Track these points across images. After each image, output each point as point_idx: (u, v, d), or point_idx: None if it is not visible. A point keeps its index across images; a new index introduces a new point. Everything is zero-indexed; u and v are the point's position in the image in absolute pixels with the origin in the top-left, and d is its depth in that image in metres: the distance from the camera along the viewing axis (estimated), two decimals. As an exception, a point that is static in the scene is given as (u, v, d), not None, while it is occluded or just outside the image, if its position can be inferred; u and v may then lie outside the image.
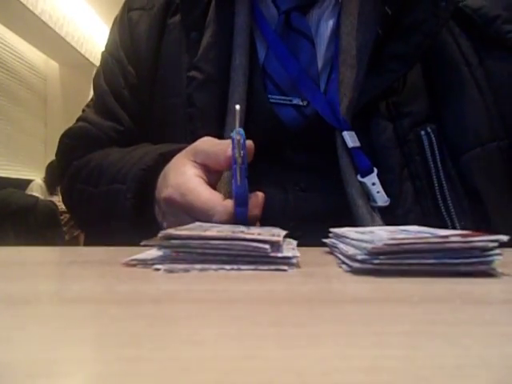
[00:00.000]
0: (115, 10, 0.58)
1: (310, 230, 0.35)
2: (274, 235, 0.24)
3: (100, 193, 0.46)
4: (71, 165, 0.53)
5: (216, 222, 0.33)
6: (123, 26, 0.53)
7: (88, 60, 4.18)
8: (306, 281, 0.21)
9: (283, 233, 0.28)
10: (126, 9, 0.54)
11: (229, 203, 0.33)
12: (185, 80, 0.46)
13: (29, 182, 3.44)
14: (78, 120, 0.57)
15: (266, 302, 0.18)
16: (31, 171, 3.95)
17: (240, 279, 0.22)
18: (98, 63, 0.59)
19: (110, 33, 0.56)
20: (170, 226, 0.34)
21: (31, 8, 3.22)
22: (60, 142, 0.57)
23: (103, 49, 0.57)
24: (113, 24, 0.56)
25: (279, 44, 0.45)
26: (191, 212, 0.34)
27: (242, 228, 0.29)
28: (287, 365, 0.12)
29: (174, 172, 0.37)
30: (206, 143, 0.37)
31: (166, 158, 0.40)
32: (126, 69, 0.52)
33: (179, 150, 0.39)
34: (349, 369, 0.11)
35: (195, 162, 0.36)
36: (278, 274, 0.23)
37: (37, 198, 2.52)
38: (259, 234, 0.24)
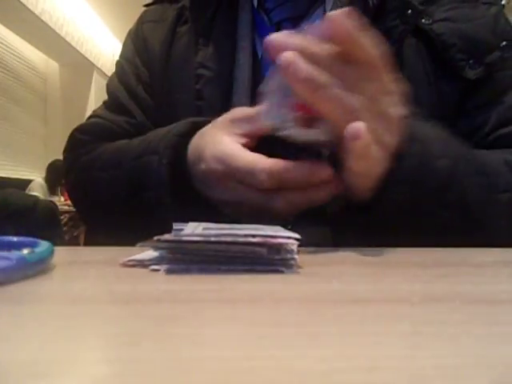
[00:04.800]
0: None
1: (308, 226, 0.36)
2: (272, 236, 0.24)
3: (125, 171, 0.45)
4: (79, 159, 0.53)
5: (262, 183, 0.33)
6: (137, 36, 0.58)
7: (88, 60, 4.18)
8: (306, 281, 0.21)
9: (284, 233, 0.27)
10: (141, 22, 0.59)
11: (273, 161, 0.33)
12: (193, 78, 0.50)
13: (29, 181, 3.44)
14: (90, 117, 0.59)
15: (265, 302, 0.18)
16: (31, 171, 3.95)
17: (240, 279, 0.22)
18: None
19: (124, 44, 0.61)
20: (219, 197, 0.37)
21: (31, 8, 3.22)
22: (71, 136, 0.58)
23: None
24: (127, 36, 0.61)
25: None
26: (235, 176, 0.35)
27: (241, 228, 0.28)
28: (287, 365, 0.12)
29: (211, 143, 0.37)
30: (238, 111, 0.38)
31: (199, 125, 0.41)
32: (140, 69, 0.56)
33: (209, 121, 0.40)
34: (349, 369, 0.11)
35: (230, 131, 0.37)
36: (277, 274, 0.23)
37: (37, 197, 2.52)
38: (254, 237, 0.24)
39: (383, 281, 0.21)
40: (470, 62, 0.46)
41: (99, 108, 0.60)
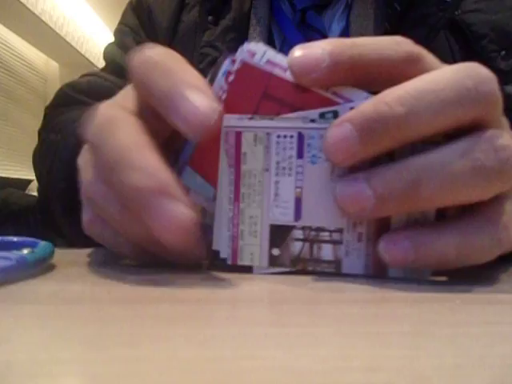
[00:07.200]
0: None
1: None
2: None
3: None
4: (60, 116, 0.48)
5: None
6: (141, 8, 0.54)
7: (88, 60, 4.18)
8: (306, 281, 0.21)
9: None
10: None
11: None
12: (198, 56, 0.48)
13: (29, 182, 3.43)
14: (84, 76, 0.53)
15: (265, 302, 0.18)
16: (31, 171, 3.94)
17: (240, 279, 0.22)
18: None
19: (125, 14, 0.56)
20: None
21: (31, 8, 3.22)
22: (59, 92, 0.52)
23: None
24: (127, 6, 0.57)
25: (296, 35, 0.48)
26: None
27: None
28: (287, 365, 0.12)
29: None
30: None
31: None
32: (144, 41, 0.52)
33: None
34: (349, 369, 0.11)
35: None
36: (277, 274, 0.23)
37: (37, 197, 2.52)
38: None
39: (383, 281, 0.21)
40: (502, 53, 0.45)
41: (95, 70, 0.55)
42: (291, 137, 0.21)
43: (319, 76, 0.20)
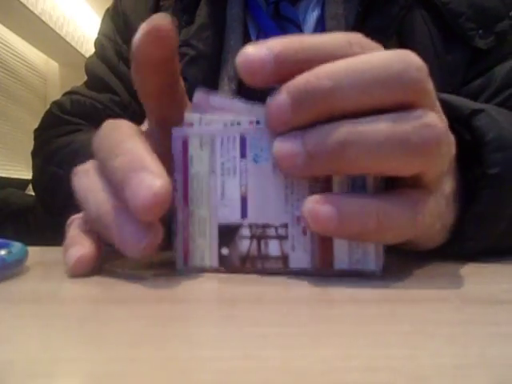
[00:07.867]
0: None
1: None
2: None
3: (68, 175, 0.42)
4: (49, 143, 0.50)
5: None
6: (117, 13, 0.55)
7: (88, 60, 4.18)
8: (306, 281, 0.21)
9: None
10: None
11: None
12: None
13: (29, 181, 3.43)
14: (67, 94, 0.55)
15: (265, 302, 0.18)
16: (31, 171, 3.94)
17: (240, 279, 0.22)
18: None
19: (102, 22, 0.57)
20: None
21: (31, 8, 3.21)
22: (48, 113, 0.54)
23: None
24: (105, 13, 0.57)
25: (271, 26, 0.48)
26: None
27: None
28: (287, 365, 0.12)
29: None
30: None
31: None
32: (122, 47, 0.53)
33: None
34: (349, 369, 0.11)
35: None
36: (277, 274, 0.23)
37: (36, 197, 2.52)
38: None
39: (382, 281, 0.21)
40: (480, 31, 0.44)
41: (77, 87, 0.56)
42: (234, 138, 0.23)
43: (265, 76, 0.20)
